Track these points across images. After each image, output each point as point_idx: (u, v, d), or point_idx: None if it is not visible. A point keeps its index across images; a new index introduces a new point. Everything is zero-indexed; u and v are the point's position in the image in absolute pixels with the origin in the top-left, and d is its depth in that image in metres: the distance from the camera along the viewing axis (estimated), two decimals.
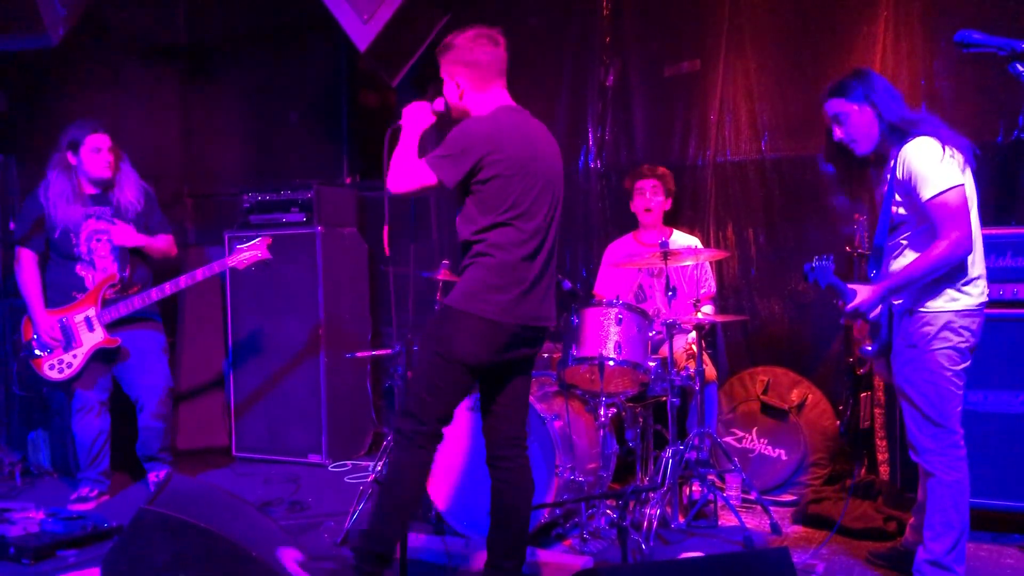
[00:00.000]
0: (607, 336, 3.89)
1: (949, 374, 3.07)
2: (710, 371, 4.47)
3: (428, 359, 3.00)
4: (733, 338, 5.07)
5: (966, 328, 3.06)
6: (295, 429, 5.56)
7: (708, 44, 5.04)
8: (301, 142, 6.32)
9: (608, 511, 3.93)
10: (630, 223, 4.98)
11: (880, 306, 3.20)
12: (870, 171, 3.37)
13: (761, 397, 4.70)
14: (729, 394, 4.78)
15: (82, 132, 4.48)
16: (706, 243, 4.96)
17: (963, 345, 3.07)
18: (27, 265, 4.55)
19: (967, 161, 3.05)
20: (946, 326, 3.05)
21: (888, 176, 3.13)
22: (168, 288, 4.53)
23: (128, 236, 4.55)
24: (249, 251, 4.51)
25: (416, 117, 3.08)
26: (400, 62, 5.16)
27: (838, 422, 4.58)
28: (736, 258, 5.02)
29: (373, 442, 5.76)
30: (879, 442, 4.34)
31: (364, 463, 5.43)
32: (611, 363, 3.83)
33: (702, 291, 4.69)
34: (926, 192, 2.97)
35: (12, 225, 5.33)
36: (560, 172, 3.16)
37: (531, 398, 3.90)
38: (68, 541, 3.84)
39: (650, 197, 4.73)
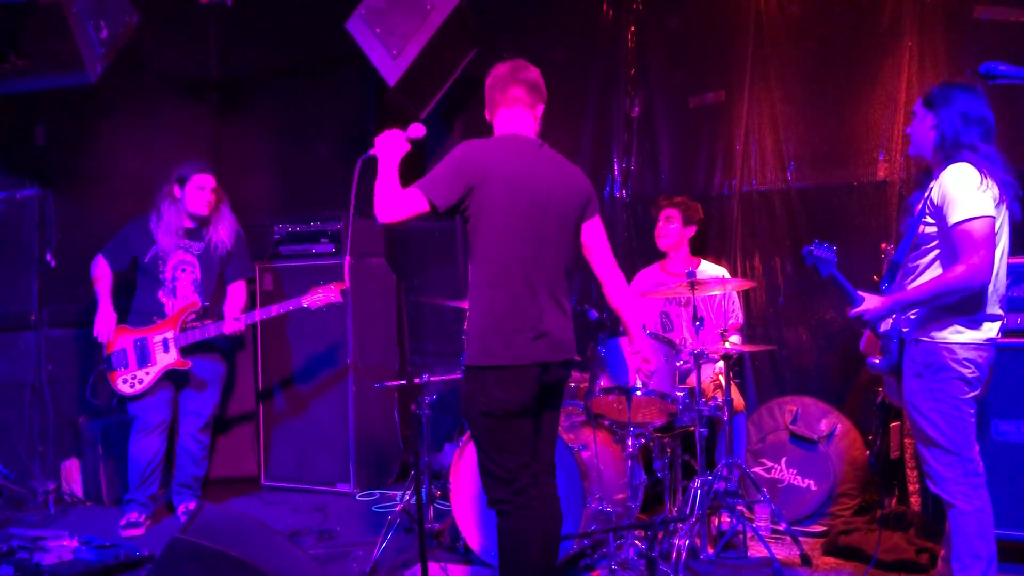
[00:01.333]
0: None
1: (957, 402, 3.06)
2: (738, 401, 4.46)
3: (476, 421, 3.00)
4: (761, 368, 5.06)
5: (971, 361, 3.04)
6: (323, 458, 5.59)
7: (733, 75, 5.08)
8: (330, 174, 6.39)
9: (636, 542, 3.92)
10: (657, 253, 5.00)
11: (891, 321, 3.20)
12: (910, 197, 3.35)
13: (790, 427, 4.68)
14: (758, 424, 4.76)
15: (191, 170, 4.84)
16: (733, 273, 4.96)
17: (970, 375, 3.05)
18: (102, 270, 4.88)
19: (1004, 197, 3.03)
20: (951, 357, 3.04)
21: (925, 195, 3.13)
22: (244, 320, 4.81)
23: (235, 326, 4.81)
24: (323, 292, 4.72)
25: (390, 145, 3.07)
26: (428, 96, 5.25)
27: (868, 452, 4.54)
28: (763, 288, 5.02)
29: (401, 471, 5.78)
30: (909, 472, 4.30)
31: (392, 492, 5.45)
32: (638, 393, 3.84)
33: (730, 321, 4.70)
34: (954, 216, 2.97)
35: (49, 256, 5.47)
36: (578, 199, 3.13)
37: (560, 428, 3.92)
38: (101, 570, 3.89)
39: (663, 225, 4.76)
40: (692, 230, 4.80)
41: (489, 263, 2.98)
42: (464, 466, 4.05)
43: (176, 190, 4.86)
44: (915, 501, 4.23)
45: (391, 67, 4.80)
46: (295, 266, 5.68)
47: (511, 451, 2.98)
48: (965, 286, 2.96)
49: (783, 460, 4.67)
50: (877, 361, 3.26)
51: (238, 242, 5.04)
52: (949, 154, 3.06)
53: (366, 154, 3.11)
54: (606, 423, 4.09)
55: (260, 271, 5.72)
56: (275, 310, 4.79)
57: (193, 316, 4.82)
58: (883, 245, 4.52)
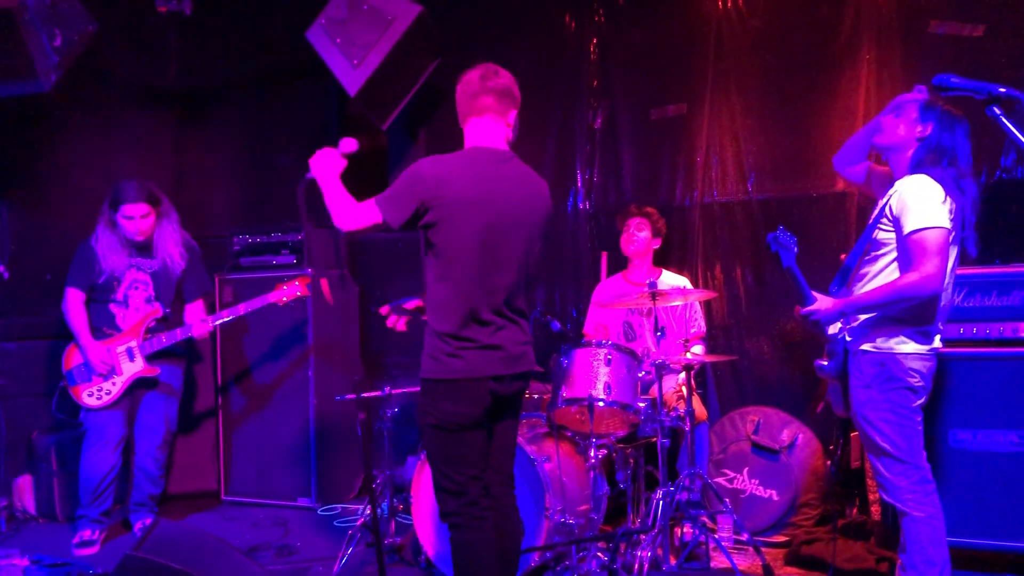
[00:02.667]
0: (596, 377, 3.89)
1: (905, 411, 3.10)
2: (700, 411, 4.47)
3: (428, 434, 3.00)
4: (723, 378, 5.08)
5: (916, 371, 3.09)
6: (284, 472, 5.52)
7: (694, 88, 5.11)
8: (292, 185, 6.30)
9: (599, 554, 3.90)
10: (619, 263, 5.01)
11: (840, 324, 3.21)
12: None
13: (752, 437, 4.70)
14: (720, 434, 4.77)
15: (121, 196, 4.68)
16: (695, 283, 4.98)
17: (917, 385, 3.09)
18: (73, 302, 4.74)
19: (959, 217, 3.07)
20: (897, 366, 3.08)
21: (883, 202, 3.16)
22: (212, 320, 4.75)
23: (204, 328, 4.76)
24: (289, 287, 4.71)
25: (325, 164, 3.10)
26: (390, 106, 5.22)
27: (829, 462, 4.57)
28: (725, 298, 5.05)
29: (363, 485, 5.72)
30: (870, 482, 4.33)
31: (354, 506, 5.39)
32: (600, 404, 3.83)
33: (692, 331, 4.71)
34: (911, 224, 3.00)
35: (1, 267, 5.35)
36: (538, 215, 3.11)
37: (521, 440, 3.90)
38: None
39: (634, 232, 4.76)
40: (658, 242, 4.82)
41: (445, 279, 2.96)
42: (425, 480, 4.01)
43: (111, 214, 4.74)
44: (875, 510, 4.25)
45: (352, 77, 4.77)
46: (255, 278, 5.61)
47: (461, 464, 2.97)
48: (917, 294, 3.00)
49: (745, 470, 4.68)
50: (825, 363, 3.28)
51: (192, 258, 4.94)
52: (918, 166, 3.10)
53: (305, 177, 3.14)
54: (568, 434, 4.08)
55: (220, 283, 5.65)
56: (243, 308, 4.74)
57: (154, 324, 4.75)
58: (843, 256, 4.55)
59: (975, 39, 4.41)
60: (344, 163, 3.12)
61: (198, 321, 4.74)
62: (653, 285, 4.07)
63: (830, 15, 4.79)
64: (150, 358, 4.71)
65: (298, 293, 4.71)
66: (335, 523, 5.12)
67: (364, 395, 4.67)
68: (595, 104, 5.39)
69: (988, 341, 3.82)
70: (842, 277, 3.27)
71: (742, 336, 5.04)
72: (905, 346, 3.09)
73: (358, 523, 4.26)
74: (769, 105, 4.96)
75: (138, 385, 4.75)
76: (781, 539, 4.46)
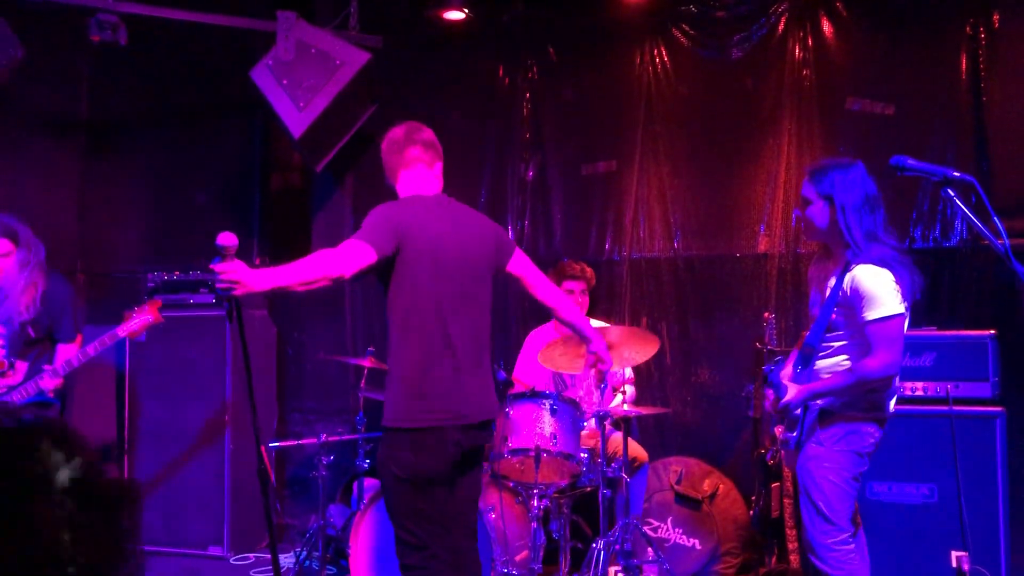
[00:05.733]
0: (542, 427, 3.94)
1: (847, 475, 3.18)
2: (642, 453, 4.56)
3: (393, 487, 2.94)
4: (647, 429, 5.22)
5: (873, 437, 3.18)
6: (194, 519, 5.31)
7: (624, 146, 5.30)
8: (208, 222, 6.12)
9: None
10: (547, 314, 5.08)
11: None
12: (810, 269, 3.48)
13: (675, 487, 4.83)
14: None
15: None
16: None
17: (865, 452, 3.19)
18: None
19: (907, 293, 3.12)
20: (857, 430, 3.16)
21: (834, 283, 3.21)
22: (62, 368, 4.16)
23: (54, 381, 4.19)
24: (139, 316, 4.19)
25: (245, 273, 2.60)
26: (326, 149, 5.20)
27: (750, 511, 4.74)
28: None
29: (277, 534, 5.55)
30: (789, 531, 4.51)
31: (267, 555, 5.21)
32: (546, 455, 3.88)
33: (626, 375, 4.76)
34: (872, 314, 3.05)
35: None
36: (488, 250, 3.14)
37: None
38: None
39: (578, 297, 4.76)
40: (588, 297, 4.91)
41: (408, 325, 2.96)
42: (364, 530, 3.96)
43: None
44: (794, 559, 4.43)
45: (297, 119, 4.73)
46: (171, 316, 5.40)
47: (424, 518, 2.94)
48: (880, 378, 3.09)
49: (669, 519, 4.80)
50: (793, 435, 3.29)
51: (46, 303, 4.28)
52: (860, 246, 3.11)
53: (229, 306, 2.79)
54: (510, 484, 4.10)
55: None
56: (91, 350, 4.15)
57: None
58: (765, 314, 4.79)
59: (887, 117, 4.76)
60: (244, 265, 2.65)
61: (48, 374, 4.14)
62: None
63: (754, 86, 5.08)
64: None
65: (150, 320, 4.20)
66: (250, 573, 4.95)
67: (300, 442, 4.59)
68: (527, 157, 5.51)
69: (902, 399, 4.09)
70: (804, 358, 3.29)
71: (665, 388, 5.20)
72: (871, 413, 3.18)
73: (291, 573, 4.13)
74: (695, 167, 5.19)
75: None
76: None
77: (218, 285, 2.58)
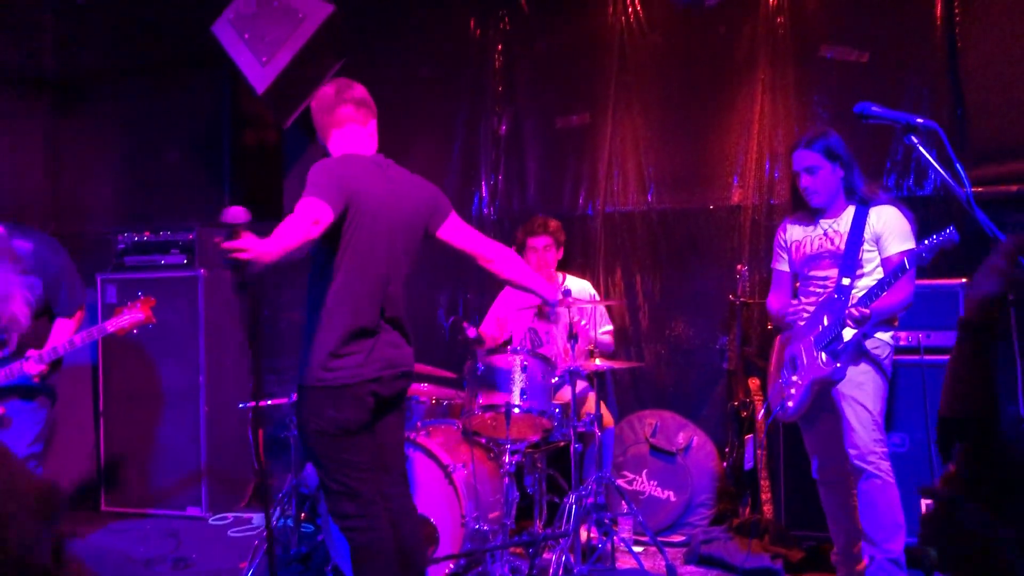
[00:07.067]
0: (513, 383, 3.92)
1: (885, 388, 3.49)
2: (607, 417, 4.57)
3: (314, 441, 2.93)
4: (622, 383, 5.22)
5: (891, 360, 3.54)
6: (172, 481, 5.31)
7: (597, 99, 5.22)
8: (180, 181, 6.09)
9: (512, 559, 3.94)
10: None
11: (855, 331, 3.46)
12: (789, 230, 3.70)
13: (650, 440, 4.85)
14: (619, 437, 4.89)
15: None
16: (596, 289, 5.08)
17: (889, 369, 3.51)
18: None
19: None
20: (889, 354, 3.51)
21: (847, 228, 3.50)
22: (47, 355, 4.02)
23: (37, 367, 4.02)
24: (129, 314, 4.11)
25: (257, 244, 2.53)
26: (292, 105, 5.09)
27: (723, 463, 4.76)
28: (624, 305, 5.18)
29: (253, 493, 5.56)
30: (763, 482, 4.53)
31: (246, 515, 5.24)
32: (517, 410, 3.86)
33: (603, 329, 4.74)
34: (901, 246, 3.41)
35: None
36: (422, 212, 3.13)
37: (435, 446, 3.90)
38: None
39: (542, 253, 4.70)
40: (561, 253, 4.84)
41: (335, 282, 2.90)
42: None
43: None
44: (768, 509, 4.46)
45: (260, 74, 4.63)
46: (142, 278, 5.37)
47: (352, 466, 2.94)
48: (909, 304, 3.47)
49: (644, 472, 4.82)
50: (838, 365, 3.44)
51: (50, 272, 4.12)
52: (865, 198, 3.51)
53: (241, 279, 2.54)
54: (482, 441, 4.10)
55: (102, 282, 5.38)
56: (79, 340, 4.07)
57: None
58: (739, 267, 4.77)
59: (861, 65, 4.69)
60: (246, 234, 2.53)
61: (33, 359, 3.98)
62: (567, 292, 4.13)
63: (727, 35, 4.99)
64: None
65: (139, 318, 4.10)
66: (229, 532, 4.96)
67: (268, 402, 4.56)
68: (500, 110, 5.42)
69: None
70: (843, 294, 3.48)
71: (640, 342, 5.18)
72: (888, 337, 3.52)
73: (264, 534, 4.13)
74: (669, 118, 5.12)
75: None
76: (679, 538, 4.62)
77: (235, 260, 2.47)
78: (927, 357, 4.05)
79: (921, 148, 2.57)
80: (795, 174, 3.60)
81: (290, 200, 5.69)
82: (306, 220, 2.71)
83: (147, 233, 5.47)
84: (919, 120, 2.57)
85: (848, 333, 3.41)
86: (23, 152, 6.10)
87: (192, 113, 6.08)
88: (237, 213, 2.46)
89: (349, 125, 3.08)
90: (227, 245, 2.46)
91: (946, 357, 4.09)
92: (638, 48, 5.16)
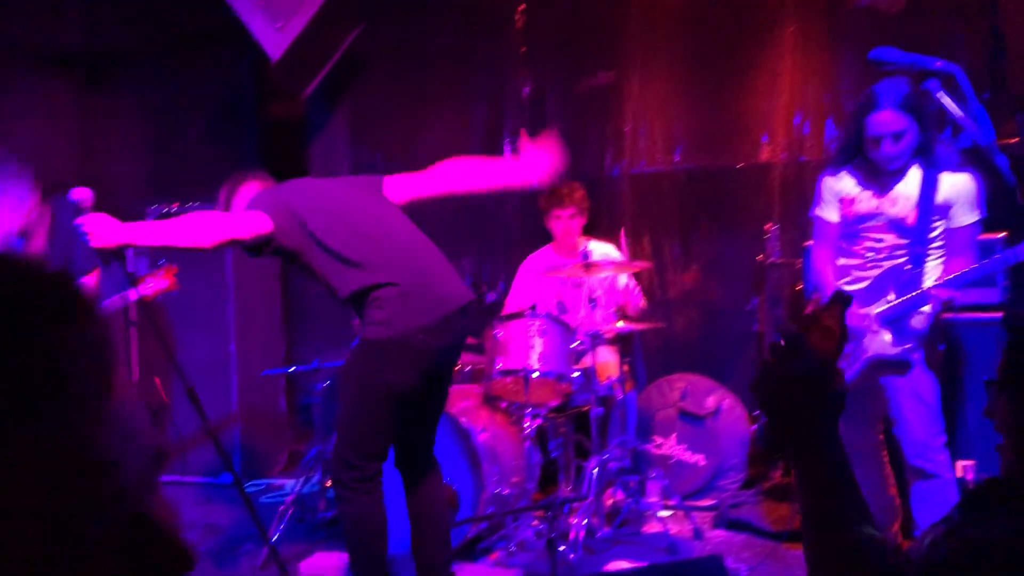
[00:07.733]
0: (531, 348, 3.89)
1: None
2: (630, 382, 4.51)
3: (354, 396, 2.91)
4: (651, 346, 5.14)
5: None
6: (205, 448, 5.37)
7: (622, 57, 5.11)
8: (206, 154, 6.12)
9: (534, 522, 3.92)
10: (546, 235, 4.97)
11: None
12: (840, 170, 3.38)
13: (679, 404, 4.77)
14: (647, 401, 4.83)
15: None
16: (621, 252, 4.99)
17: None
18: None
19: None
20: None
21: (916, 193, 3.20)
22: None
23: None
24: (153, 281, 4.14)
25: (103, 227, 2.65)
26: (311, 73, 5.06)
27: (753, 427, 4.68)
28: (652, 267, 5.09)
29: (288, 460, 5.62)
30: None
31: (280, 482, 5.29)
32: (535, 374, 3.83)
33: (630, 303, 4.68)
34: (971, 218, 3.19)
35: None
36: (372, 194, 3.14)
37: (455, 411, 3.88)
38: None
39: (568, 222, 4.61)
40: (585, 219, 4.74)
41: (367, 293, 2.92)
42: None
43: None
44: None
45: (274, 41, 4.59)
46: (171, 264, 5.40)
47: (378, 437, 2.93)
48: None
49: (673, 436, 4.75)
50: (908, 345, 3.26)
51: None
52: (936, 160, 3.18)
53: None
54: (503, 405, 4.07)
55: (135, 253, 5.43)
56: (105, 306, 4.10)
57: None
58: (767, 226, 4.65)
59: (896, 14, 4.51)
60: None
61: None
62: (587, 255, 4.05)
63: None
64: None
65: (165, 285, 4.12)
66: (262, 499, 5.01)
67: (291, 369, 4.59)
68: (522, 72, 5.33)
69: None
70: (917, 262, 3.25)
71: (669, 305, 5.10)
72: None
73: (288, 499, 4.18)
74: (696, 75, 5.00)
75: None
76: (709, 503, 4.55)
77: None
78: (963, 315, 3.92)
79: (944, 93, 2.42)
80: (871, 139, 3.17)
81: (315, 172, 5.68)
82: (235, 221, 2.90)
83: (176, 205, 5.51)
84: (937, 64, 2.43)
85: (922, 317, 3.22)
86: (56, 128, 6.18)
87: (218, 86, 6.10)
88: (80, 192, 2.64)
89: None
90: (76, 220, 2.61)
91: (983, 315, 3.97)
92: (663, 4, 5.02)
